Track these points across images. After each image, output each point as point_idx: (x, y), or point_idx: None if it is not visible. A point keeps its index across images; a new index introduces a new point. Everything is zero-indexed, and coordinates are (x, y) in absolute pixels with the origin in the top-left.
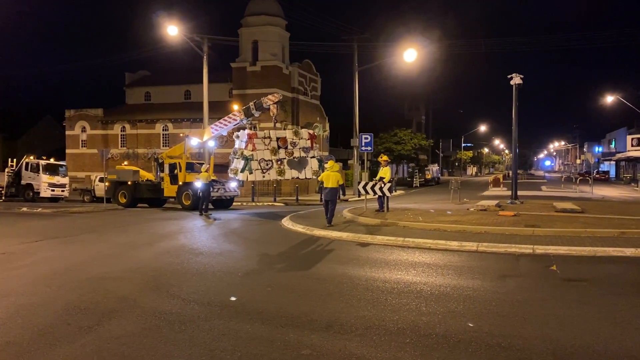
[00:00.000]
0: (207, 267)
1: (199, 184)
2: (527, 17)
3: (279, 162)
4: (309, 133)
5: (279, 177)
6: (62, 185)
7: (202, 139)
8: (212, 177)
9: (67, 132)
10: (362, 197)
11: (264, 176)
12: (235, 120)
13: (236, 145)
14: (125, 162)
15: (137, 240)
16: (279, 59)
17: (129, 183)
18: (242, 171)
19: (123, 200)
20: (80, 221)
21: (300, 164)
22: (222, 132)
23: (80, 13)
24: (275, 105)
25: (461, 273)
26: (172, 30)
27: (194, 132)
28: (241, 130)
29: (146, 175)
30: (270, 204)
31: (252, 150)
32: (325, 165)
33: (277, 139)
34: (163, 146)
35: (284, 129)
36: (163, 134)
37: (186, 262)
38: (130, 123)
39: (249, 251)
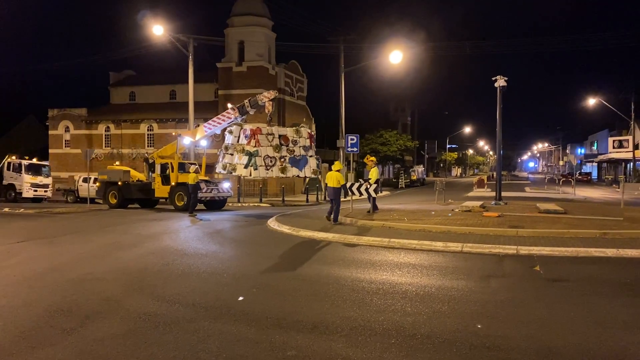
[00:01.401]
0: (192, 268)
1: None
2: (511, 20)
3: (281, 160)
4: (309, 132)
5: (281, 175)
6: (45, 186)
7: (195, 138)
8: (204, 178)
9: (50, 132)
10: (348, 198)
11: (267, 173)
12: (230, 118)
13: (228, 141)
14: (117, 162)
15: (122, 241)
16: (265, 59)
17: (119, 183)
18: (246, 167)
19: (113, 201)
20: (63, 222)
21: (300, 162)
22: (215, 130)
23: (64, 11)
24: (270, 103)
25: (446, 273)
26: (158, 29)
27: (187, 132)
28: (234, 127)
29: (137, 175)
30: (256, 204)
31: (256, 146)
32: (332, 167)
33: (280, 136)
34: (148, 146)
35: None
36: (148, 134)
37: (171, 263)
38: (114, 123)
39: (234, 252)
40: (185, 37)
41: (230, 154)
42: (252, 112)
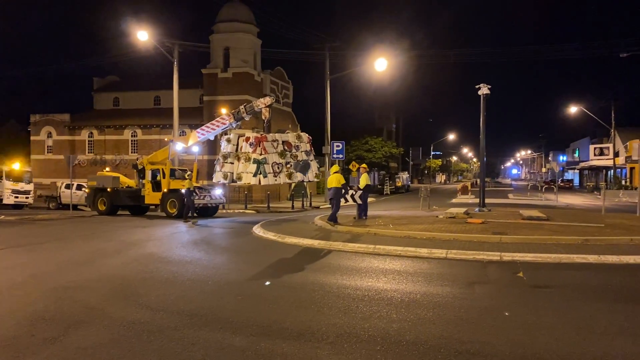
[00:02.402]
0: (176, 275)
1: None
2: (495, 29)
3: (287, 165)
4: (308, 137)
5: (288, 180)
6: (27, 192)
7: (187, 144)
8: (196, 184)
9: (32, 138)
10: None
11: (275, 180)
12: (224, 124)
13: (227, 149)
14: (107, 169)
15: (105, 248)
16: (250, 65)
17: (109, 190)
18: (255, 175)
19: (102, 208)
20: (45, 229)
21: (304, 167)
22: (209, 136)
23: (46, 15)
24: (267, 109)
25: (431, 280)
26: (142, 35)
27: (179, 137)
28: (232, 134)
29: (127, 181)
30: (241, 211)
31: (262, 154)
32: (330, 170)
33: (283, 142)
34: (132, 152)
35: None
36: (132, 140)
37: (155, 270)
38: (98, 129)
39: (219, 259)
40: (170, 42)
41: (231, 162)
42: (247, 118)
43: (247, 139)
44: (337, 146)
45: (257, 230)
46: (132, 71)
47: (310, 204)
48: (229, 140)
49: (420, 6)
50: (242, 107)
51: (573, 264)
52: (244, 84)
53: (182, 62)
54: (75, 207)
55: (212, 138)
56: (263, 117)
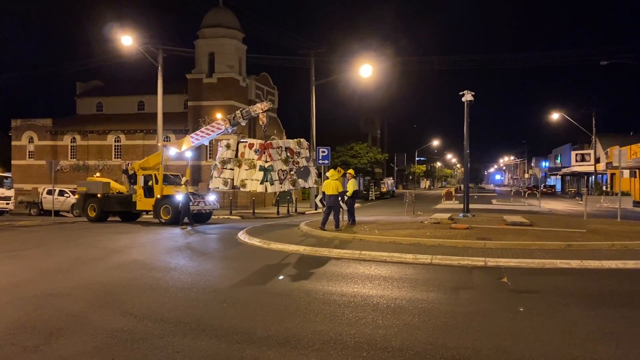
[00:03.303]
0: (160, 282)
1: (180, 197)
2: (479, 36)
3: (291, 172)
4: (307, 143)
5: (292, 187)
6: (7, 198)
7: (181, 149)
8: (190, 190)
9: (13, 143)
10: (320, 210)
11: (281, 187)
12: (220, 129)
13: (226, 154)
14: (97, 174)
15: (88, 255)
16: (235, 71)
17: (99, 195)
18: (261, 183)
19: (92, 214)
20: (26, 235)
21: (304, 173)
22: (203, 141)
23: (28, 19)
24: (265, 114)
25: (416, 286)
26: (127, 40)
27: (172, 142)
28: (232, 140)
29: (118, 187)
30: (226, 217)
31: (268, 161)
32: (327, 174)
33: (286, 148)
34: (115, 158)
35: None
36: (115, 146)
37: (139, 277)
38: (80, 134)
39: (204, 266)
40: (155, 47)
41: (231, 168)
42: (244, 124)
43: (251, 145)
44: (323, 152)
45: (243, 236)
46: (116, 76)
47: (296, 209)
48: (228, 146)
49: (405, 13)
50: (239, 112)
51: (556, 269)
52: (229, 90)
53: (166, 67)
54: (57, 213)
55: (206, 143)
56: (260, 123)
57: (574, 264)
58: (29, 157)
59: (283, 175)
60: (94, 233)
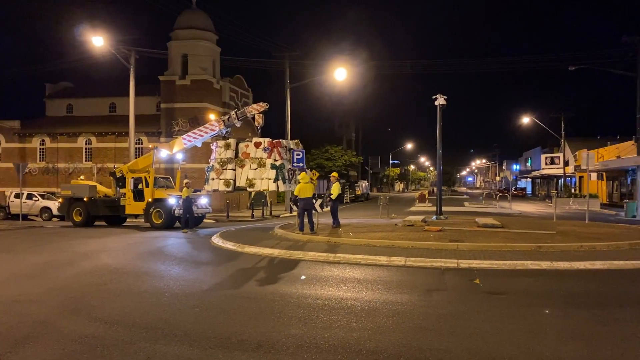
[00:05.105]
0: (132, 287)
1: (173, 200)
2: (451, 41)
3: (296, 172)
4: (301, 145)
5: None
6: None
7: (172, 150)
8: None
9: None
10: (294, 213)
11: (290, 186)
12: (214, 130)
13: (225, 155)
14: (82, 177)
15: (57, 260)
16: (209, 73)
17: (85, 199)
18: (274, 181)
19: (78, 219)
20: None
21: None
22: (196, 143)
23: None
24: (260, 116)
25: (390, 288)
26: (98, 41)
27: (164, 144)
28: (231, 140)
29: (104, 190)
30: None
31: (279, 159)
32: (298, 177)
33: (289, 149)
34: (86, 161)
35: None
36: (86, 148)
37: (109, 282)
38: (50, 136)
39: (176, 270)
40: (127, 49)
41: (232, 169)
42: (239, 125)
43: (257, 144)
44: (298, 155)
45: (216, 239)
46: (87, 77)
47: (271, 212)
48: (228, 146)
49: (380, 17)
50: (234, 112)
51: (527, 270)
52: (203, 92)
53: (139, 69)
54: (25, 217)
55: (199, 145)
56: (256, 124)
57: (544, 265)
58: None
59: (290, 174)
60: (64, 237)
